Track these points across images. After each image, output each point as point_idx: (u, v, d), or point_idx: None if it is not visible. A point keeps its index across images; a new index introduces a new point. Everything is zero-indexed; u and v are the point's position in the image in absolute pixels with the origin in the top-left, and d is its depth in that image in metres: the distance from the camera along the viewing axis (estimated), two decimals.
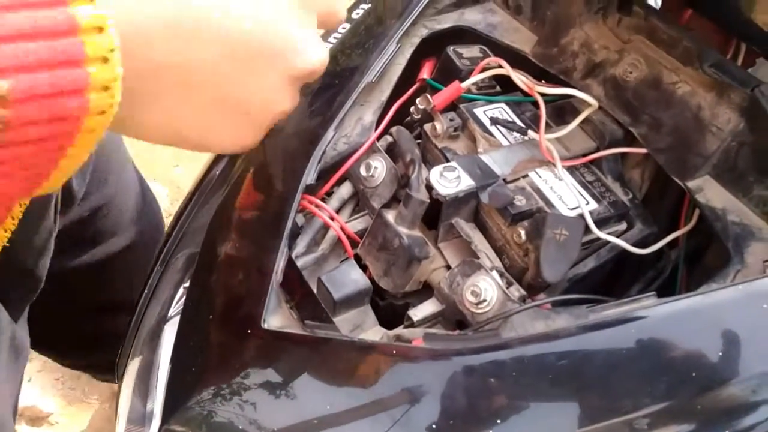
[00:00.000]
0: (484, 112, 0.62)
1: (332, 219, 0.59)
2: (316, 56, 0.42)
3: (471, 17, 0.68)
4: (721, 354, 0.44)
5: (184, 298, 0.63)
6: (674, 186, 0.59)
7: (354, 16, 0.70)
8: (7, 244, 0.51)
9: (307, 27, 0.41)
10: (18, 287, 0.67)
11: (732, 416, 0.43)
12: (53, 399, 1.37)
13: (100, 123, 0.27)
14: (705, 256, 0.58)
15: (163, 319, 0.68)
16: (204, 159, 0.77)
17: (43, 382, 1.38)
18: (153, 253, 0.91)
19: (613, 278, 0.60)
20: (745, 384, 0.43)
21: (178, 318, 0.64)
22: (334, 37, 0.68)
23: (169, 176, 1.73)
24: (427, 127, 0.61)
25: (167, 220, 0.77)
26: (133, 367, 0.67)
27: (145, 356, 0.66)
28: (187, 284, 0.67)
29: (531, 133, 0.59)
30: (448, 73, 0.64)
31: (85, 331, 0.93)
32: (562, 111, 0.63)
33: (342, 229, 0.59)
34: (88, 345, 0.97)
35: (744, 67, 0.60)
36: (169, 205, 1.65)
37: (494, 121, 0.61)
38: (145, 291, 0.71)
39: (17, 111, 0.23)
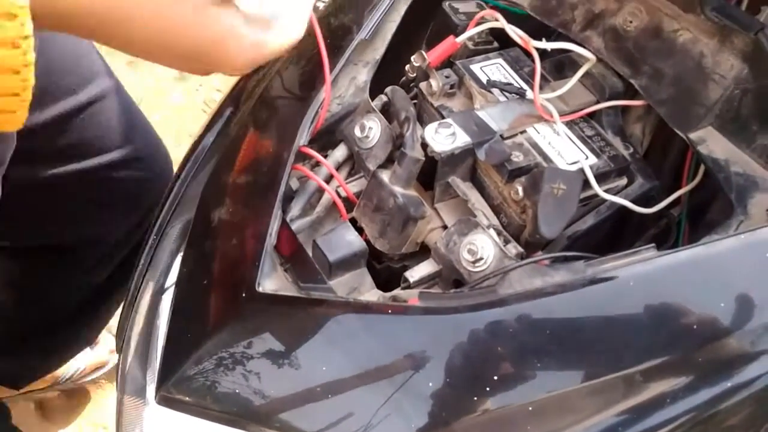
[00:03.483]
0: (481, 68, 0.60)
1: (327, 182, 0.58)
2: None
3: None
4: (723, 305, 0.43)
5: (180, 265, 0.63)
6: (676, 141, 0.57)
7: None
8: None
9: None
10: None
11: (733, 367, 0.42)
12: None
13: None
14: (708, 212, 0.57)
15: (161, 290, 0.67)
16: None
17: None
18: (152, 173, 0.88)
19: (614, 237, 0.59)
20: (748, 335, 0.42)
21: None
22: None
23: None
24: (422, 85, 0.60)
25: None
26: (133, 339, 0.67)
27: (144, 328, 0.66)
28: (182, 253, 0.66)
29: (529, 93, 0.58)
30: (444, 29, 0.62)
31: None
32: (561, 65, 0.61)
33: (339, 190, 0.58)
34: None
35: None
36: None
37: (491, 83, 0.59)
38: (142, 262, 0.70)
39: None
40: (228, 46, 0.40)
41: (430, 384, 0.45)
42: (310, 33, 0.64)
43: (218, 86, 1.94)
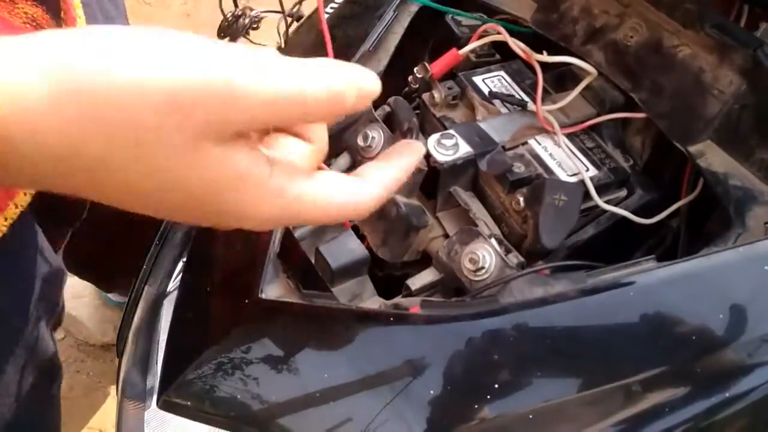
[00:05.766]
0: (483, 80, 0.61)
1: None
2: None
3: None
4: (721, 317, 0.43)
5: (182, 271, 0.63)
6: (676, 153, 0.58)
7: None
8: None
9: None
10: (59, 218, 0.66)
11: (731, 379, 0.43)
12: None
13: None
14: (707, 224, 0.58)
15: (162, 295, 0.67)
16: None
17: None
18: None
19: (614, 246, 0.59)
20: (745, 347, 0.43)
21: (176, 292, 0.64)
22: (332, 7, 0.67)
23: None
24: (425, 96, 0.60)
25: None
26: (133, 344, 0.67)
27: (145, 332, 0.66)
28: (185, 259, 0.66)
29: (530, 105, 0.59)
30: (447, 41, 0.63)
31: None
32: (562, 78, 0.62)
33: None
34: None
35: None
36: None
37: (493, 95, 0.60)
38: (144, 267, 0.70)
39: None
40: (244, 194, 0.27)
41: (431, 391, 0.45)
42: (320, 32, 0.65)
43: None
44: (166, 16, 1.89)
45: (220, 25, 0.67)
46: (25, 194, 0.54)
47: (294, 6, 0.67)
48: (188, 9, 1.92)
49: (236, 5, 0.66)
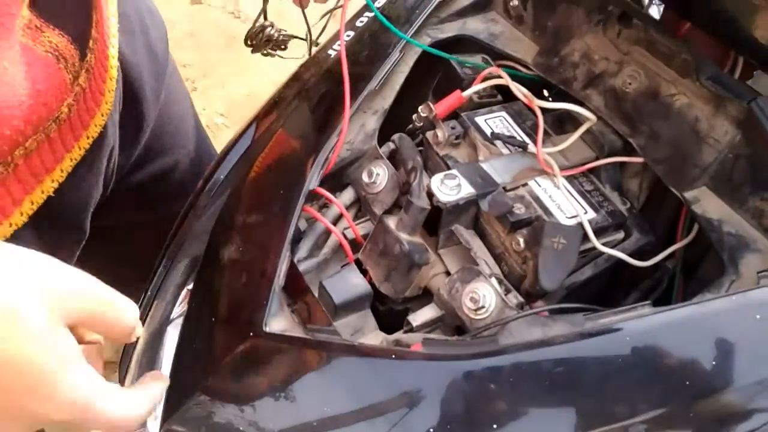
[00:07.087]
0: (485, 120, 0.62)
1: (334, 224, 0.60)
2: (66, 402, 0.33)
3: (473, 26, 0.69)
4: (714, 363, 0.44)
5: (188, 300, 0.64)
6: (672, 197, 0.59)
7: (358, 24, 0.71)
8: (53, 194, 0.55)
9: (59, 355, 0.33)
10: (65, 239, 0.68)
11: (725, 424, 0.44)
12: None
13: None
14: (701, 267, 0.59)
15: (166, 321, 0.68)
16: None
17: None
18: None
19: (610, 287, 0.61)
20: (738, 393, 0.44)
21: (180, 320, 0.64)
22: (338, 44, 0.69)
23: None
24: (429, 134, 0.62)
25: None
26: (136, 368, 0.68)
27: (148, 357, 0.67)
28: (190, 287, 0.67)
29: (531, 146, 0.61)
30: (451, 81, 0.65)
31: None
32: (562, 120, 0.64)
33: (345, 232, 0.60)
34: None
35: (742, 79, 0.61)
36: None
37: (495, 136, 0.61)
38: (148, 293, 0.71)
39: None
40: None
41: (430, 430, 0.46)
42: (330, 70, 0.66)
43: (221, 111, 1.97)
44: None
45: (247, 33, 0.69)
46: (21, 214, 0.55)
47: (319, 34, 0.69)
48: (193, 29, 1.94)
49: (266, 18, 0.69)
